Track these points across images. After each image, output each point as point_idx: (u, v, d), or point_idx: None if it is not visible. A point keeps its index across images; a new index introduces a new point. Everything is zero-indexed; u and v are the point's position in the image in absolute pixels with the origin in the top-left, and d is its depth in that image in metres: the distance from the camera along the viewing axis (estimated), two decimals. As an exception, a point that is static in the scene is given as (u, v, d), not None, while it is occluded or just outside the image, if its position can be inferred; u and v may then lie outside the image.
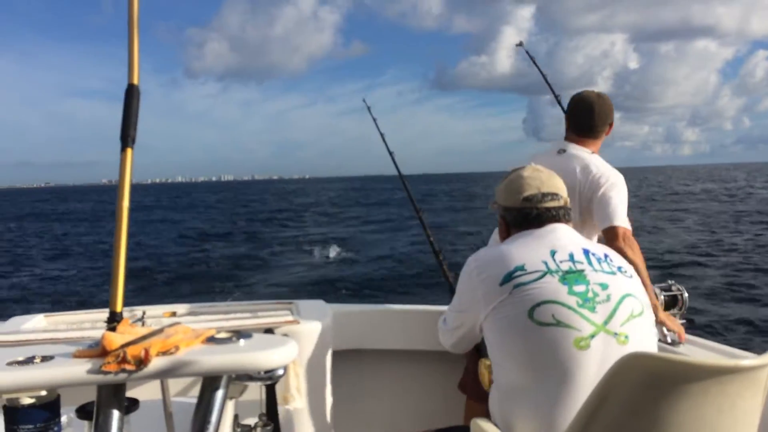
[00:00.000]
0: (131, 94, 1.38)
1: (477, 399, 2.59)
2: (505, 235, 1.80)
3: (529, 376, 1.51)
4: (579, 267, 1.58)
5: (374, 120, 3.13)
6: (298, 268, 17.19)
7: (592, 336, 1.47)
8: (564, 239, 1.66)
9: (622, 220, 2.44)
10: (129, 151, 1.35)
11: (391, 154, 3.07)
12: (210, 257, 20.47)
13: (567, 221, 1.74)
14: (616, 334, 1.49)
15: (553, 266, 1.57)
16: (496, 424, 1.59)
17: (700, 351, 2.20)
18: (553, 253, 1.60)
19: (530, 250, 1.62)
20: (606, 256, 1.66)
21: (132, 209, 1.23)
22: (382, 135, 3.09)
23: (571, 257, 1.60)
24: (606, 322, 1.50)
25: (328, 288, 13.53)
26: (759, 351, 1.35)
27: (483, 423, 1.53)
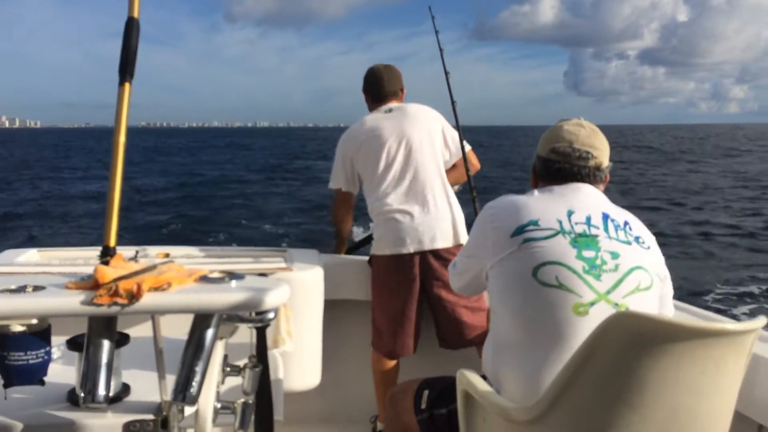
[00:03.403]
0: (131, 27, 1.34)
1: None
2: (534, 184, 1.77)
3: (523, 333, 1.51)
4: (593, 232, 1.54)
5: None
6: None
7: (592, 303, 1.45)
8: (585, 201, 1.62)
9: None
10: (127, 85, 1.33)
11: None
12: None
13: (595, 182, 1.67)
14: (616, 304, 1.46)
15: (567, 227, 1.54)
16: (484, 376, 1.61)
17: (685, 316, 2.23)
18: (570, 214, 1.57)
19: (547, 206, 1.59)
20: (626, 223, 1.60)
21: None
22: None
23: (588, 221, 1.56)
24: (609, 292, 1.47)
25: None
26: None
27: (469, 374, 1.55)
